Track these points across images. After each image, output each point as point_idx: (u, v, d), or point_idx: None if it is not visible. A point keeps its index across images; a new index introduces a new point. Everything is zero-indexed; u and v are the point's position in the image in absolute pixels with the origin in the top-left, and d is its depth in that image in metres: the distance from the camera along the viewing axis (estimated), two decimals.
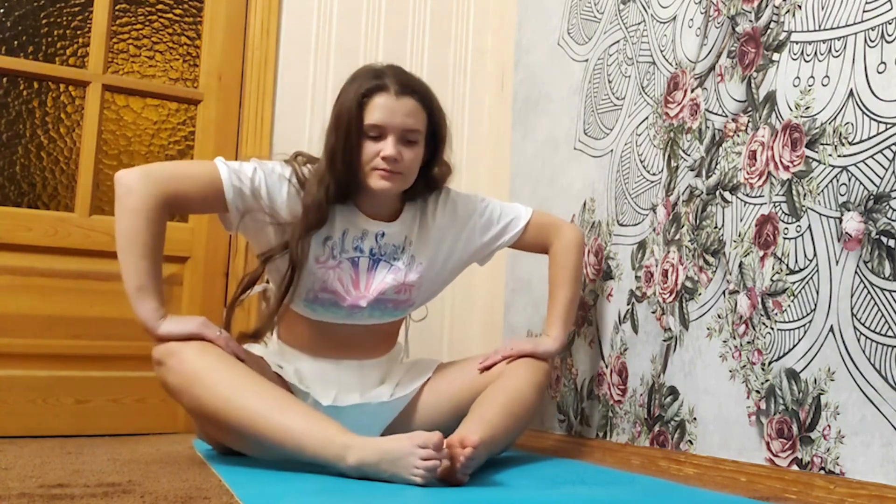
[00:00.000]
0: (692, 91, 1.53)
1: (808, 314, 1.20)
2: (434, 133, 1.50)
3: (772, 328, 1.27)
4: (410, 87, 1.45)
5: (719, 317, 1.39)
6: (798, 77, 1.28)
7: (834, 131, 1.19)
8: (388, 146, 1.42)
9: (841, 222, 1.16)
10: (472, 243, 1.62)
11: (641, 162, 1.67)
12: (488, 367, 1.54)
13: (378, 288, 1.50)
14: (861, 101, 1.15)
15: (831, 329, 1.16)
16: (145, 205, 1.34)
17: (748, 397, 1.30)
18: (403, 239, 1.54)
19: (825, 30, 1.24)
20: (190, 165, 1.61)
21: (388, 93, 1.42)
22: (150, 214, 1.34)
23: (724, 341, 1.37)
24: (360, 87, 1.43)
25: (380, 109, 1.42)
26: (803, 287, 1.22)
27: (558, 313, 1.61)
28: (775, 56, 1.33)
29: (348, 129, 1.42)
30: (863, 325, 1.11)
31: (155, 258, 1.35)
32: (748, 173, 1.36)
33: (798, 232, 1.24)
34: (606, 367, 1.70)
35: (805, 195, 1.23)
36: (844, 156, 1.17)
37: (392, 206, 1.54)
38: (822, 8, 1.25)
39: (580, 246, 1.66)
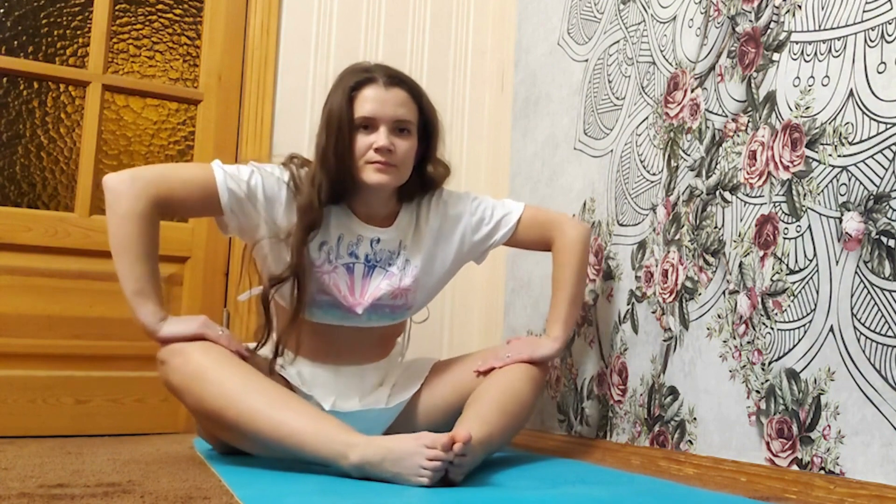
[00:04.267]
0: (692, 91, 1.53)
1: (808, 314, 1.20)
2: (426, 126, 1.50)
3: (772, 328, 1.27)
4: (399, 78, 1.46)
5: (719, 317, 1.39)
6: (798, 77, 1.28)
7: (834, 131, 1.19)
8: (380, 137, 1.41)
9: (841, 222, 1.16)
10: (464, 243, 1.59)
11: (641, 162, 1.67)
12: (485, 373, 1.51)
13: (373, 294, 1.49)
14: (861, 101, 1.15)
15: (831, 329, 1.16)
16: (135, 208, 1.32)
17: (748, 397, 1.30)
18: (398, 244, 1.52)
19: (825, 30, 1.24)
20: (183, 168, 1.61)
21: (377, 84, 1.43)
22: (142, 218, 1.33)
23: (724, 341, 1.37)
24: (348, 82, 1.44)
25: (370, 101, 1.42)
26: (803, 287, 1.22)
27: (559, 313, 1.58)
28: (775, 56, 1.33)
29: (339, 124, 1.41)
30: (863, 325, 1.11)
31: (150, 261, 1.34)
32: (748, 173, 1.36)
33: (798, 232, 1.24)
34: (606, 367, 1.70)
35: (805, 195, 1.23)
36: (844, 156, 1.17)
37: (387, 208, 1.53)
38: (822, 8, 1.25)
39: (584, 242, 1.62)
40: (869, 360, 1.09)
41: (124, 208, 1.33)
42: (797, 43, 1.29)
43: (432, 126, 1.51)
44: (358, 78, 1.44)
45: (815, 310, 1.19)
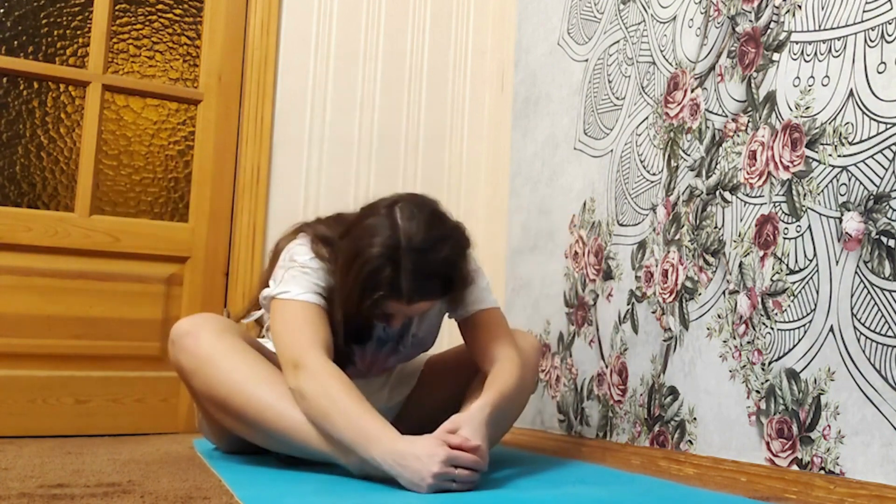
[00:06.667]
0: (692, 91, 1.53)
1: (808, 314, 1.20)
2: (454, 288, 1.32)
3: (772, 328, 1.27)
4: (427, 288, 1.24)
5: (719, 317, 1.38)
6: (798, 77, 1.28)
7: (834, 131, 1.19)
8: (397, 322, 1.32)
9: (841, 222, 1.16)
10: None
11: (641, 162, 1.67)
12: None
13: (381, 367, 1.52)
14: (861, 101, 1.15)
15: (831, 329, 1.16)
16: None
17: (748, 397, 1.30)
18: (409, 321, 1.46)
19: (825, 30, 1.24)
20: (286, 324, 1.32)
21: (401, 301, 1.23)
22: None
23: (724, 341, 1.37)
24: (372, 285, 1.21)
25: (393, 311, 1.28)
26: (803, 287, 1.22)
27: (488, 395, 1.26)
28: (775, 56, 1.33)
29: (360, 301, 1.24)
30: (863, 325, 1.11)
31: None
32: (748, 173, 1.36)
33: (798, 232, 1.24)
34: (606, 367, 1.70)
35: (805, 195, 1.23)
36: (844, 156, 1.17)
37: None
38: (822, 8, 1.25)
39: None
40: (869, 360, 1.09)
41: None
42: (797, 43, 1.29)
43: (461, 287, 1.33)
44: (382, 290, 1.21)
45: (815, 310, 1.19)
